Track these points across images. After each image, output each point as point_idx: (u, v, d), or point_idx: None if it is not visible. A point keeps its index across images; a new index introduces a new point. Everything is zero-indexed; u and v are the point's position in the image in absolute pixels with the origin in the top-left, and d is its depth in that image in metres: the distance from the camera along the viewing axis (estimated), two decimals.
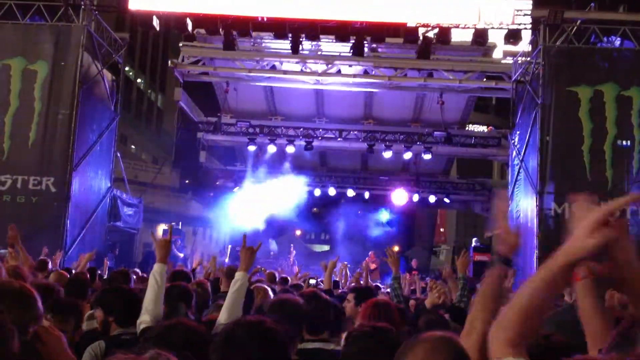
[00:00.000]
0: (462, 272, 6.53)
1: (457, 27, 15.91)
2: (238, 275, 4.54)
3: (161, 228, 25.56)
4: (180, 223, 23.19)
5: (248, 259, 4.66)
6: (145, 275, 8.63)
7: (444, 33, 15.81)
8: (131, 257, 18.42)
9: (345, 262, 12.47)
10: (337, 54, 18.20)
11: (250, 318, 2.76)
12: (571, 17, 14.89)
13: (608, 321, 2.38)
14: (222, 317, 4.30)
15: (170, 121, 45.54)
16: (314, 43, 17.61)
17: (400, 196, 23.73)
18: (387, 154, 20.56)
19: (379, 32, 16.24)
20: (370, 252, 22.39)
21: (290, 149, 20.92)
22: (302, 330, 4.01)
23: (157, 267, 4.58)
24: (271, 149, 21.23)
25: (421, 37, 16.35)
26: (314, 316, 4.08)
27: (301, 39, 16.40)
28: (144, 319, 4.18)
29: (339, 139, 21.23)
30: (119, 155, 17.55)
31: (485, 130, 23.67)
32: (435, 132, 19.98)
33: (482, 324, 2.33)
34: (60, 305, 4.64)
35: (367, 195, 25.26)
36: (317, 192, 24.72)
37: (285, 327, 2.74)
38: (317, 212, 39.75)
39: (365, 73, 18.62)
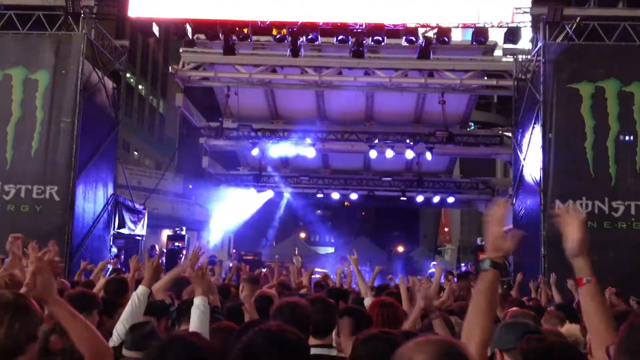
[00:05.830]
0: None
1: (456, 26, 15.92)
2: (197, 300, 4.35)
3: (165, 234, 25.62)
4: (184, 228, 23.19)
5: (202, 281, 4.50)
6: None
7: (443, 33, 15.78)
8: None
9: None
10: (338, 56, 18.21)
11: (270, 326, 2.73)
12: (571, 14, 14.86)
13: (610, 321, 2.48)
14: None
15: (172, 127, 45.67)
16: (314, 45, 17.62)
17: None
18: (389, 154, 20.55)
19: (379, 34, 16.23)
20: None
21: (292, 152, 20.93)
22: (308, 334, 3.98)
23: (140, 289, 4.57)
24: (273, 152, 21.27)
25: (421, 38, 16.34)
26: (319, 319, 4.06)
27: (301, 42, 16.41)
28: (113, 339, 4.19)
29: (340, 141, 21.23)
30: (121, 162, 17.57)
31: (473, 127, 23.58)
32: (437, 132, 19.95)
33: (481, 331, 2.34)
34: None
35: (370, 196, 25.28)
36: (320, 195, 24.72)
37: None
38: (321, 214, 39.77)
39: (366, 74, 18.62)
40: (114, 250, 16.88)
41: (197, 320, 4.26)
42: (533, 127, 14.84)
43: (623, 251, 13.18)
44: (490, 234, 2.48)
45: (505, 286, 11.66)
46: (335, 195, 25.14)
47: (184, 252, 20.06)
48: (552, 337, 3.38)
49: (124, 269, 13.67)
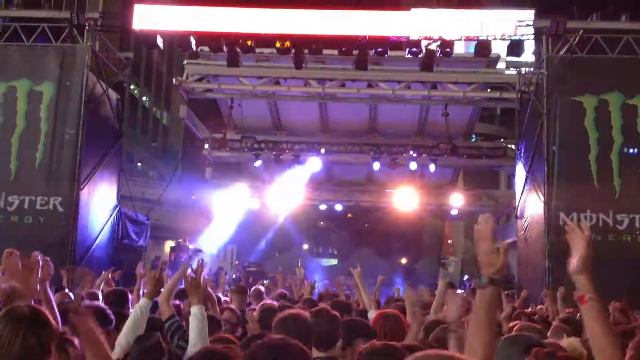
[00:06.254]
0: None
1: (459, 39, 15.95)
2: (194, 309, 4.40)
3: (168, 245, 25.61)
4: (187, 239, 23.17)
5: (196, 291, 4.53)
6: None
7: (446, 45, 15.82)
8: None
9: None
10: (341, 68, 18.26)
11: (274, 339, 2.72)
12: (574, 27, 14.88)
13: (614, 338, 2.47)
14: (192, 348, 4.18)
15: (176, 138, 45.76)
16: (317, 57, 17.68)
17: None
18: (393, 166, 20.56)
19: (382, 46, 16.27)
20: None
21: (295, 164, 20.95)
22: (311, 346, 3.96)
23: (142, 301, 4.56)
24: (277, 164, 21.29)
25: (424, 50, 16.38)
26: (322, 332, 4.04)
27: (304, 54, 16.46)
28: (115, 352, 4.16)
29: (344, 153, 21.25)
30: (125, 173, 17.59)
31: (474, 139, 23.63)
32: (440, 144, 19.96)
33: (483, 347, 2.31)
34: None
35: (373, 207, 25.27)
36: (323, 207, 24.69)
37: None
38: (323, 225, 39.70)
39: (369, 86, 18.66)
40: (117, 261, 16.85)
41: (195, 328, 4.30)
42: (537, 140, 14.82)
43: (627, 264, 13.08)
44: (480, 251, 2.44)
45: (507, 293, 11.58)
46: (339, 207, 25.11)
47: (189, 262, 20.02)
48: (561, 352, 3.35)
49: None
